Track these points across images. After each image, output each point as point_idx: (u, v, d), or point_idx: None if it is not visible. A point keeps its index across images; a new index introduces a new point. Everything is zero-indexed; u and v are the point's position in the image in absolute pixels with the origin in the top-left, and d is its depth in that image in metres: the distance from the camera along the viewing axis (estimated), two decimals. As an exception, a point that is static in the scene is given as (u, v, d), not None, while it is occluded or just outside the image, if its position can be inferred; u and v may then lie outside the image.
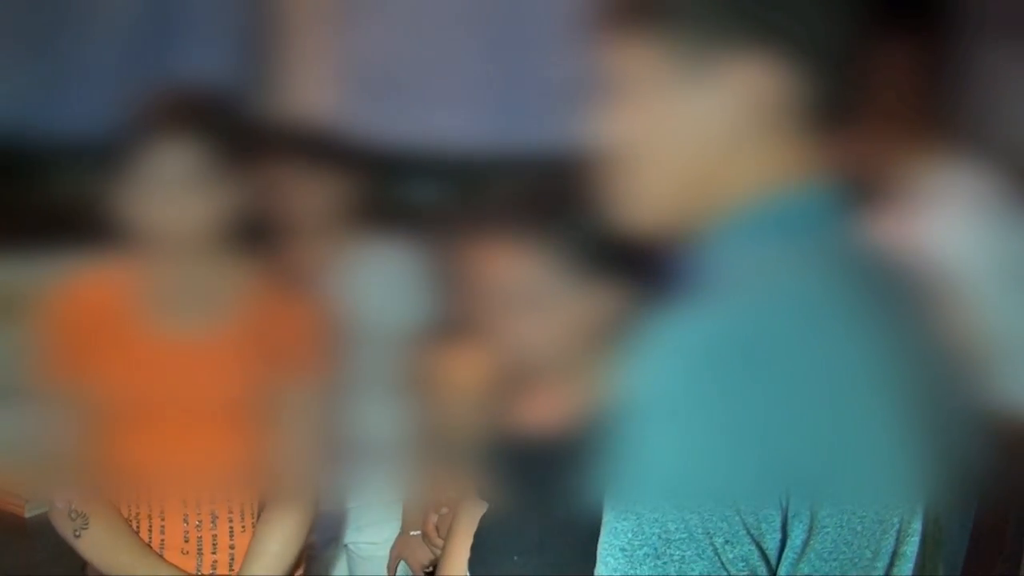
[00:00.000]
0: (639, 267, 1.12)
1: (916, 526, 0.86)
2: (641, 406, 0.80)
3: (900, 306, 0.91)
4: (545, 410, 1.28)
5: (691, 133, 0.86)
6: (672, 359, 0.79)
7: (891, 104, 1.09)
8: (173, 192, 1.45)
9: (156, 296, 1.54)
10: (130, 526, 1.56)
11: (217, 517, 1.57)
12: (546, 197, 1.20)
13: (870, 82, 0.91)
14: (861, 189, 0.94)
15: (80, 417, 1.54)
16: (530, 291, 1.21)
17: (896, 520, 0.84)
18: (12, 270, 1.75)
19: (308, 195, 1.72)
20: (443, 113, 2.10)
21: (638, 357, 0.81)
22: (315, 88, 2.18)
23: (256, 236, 1.54)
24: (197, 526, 1.56)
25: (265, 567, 1.55)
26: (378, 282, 1.76)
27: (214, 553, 1.57)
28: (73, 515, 1.56)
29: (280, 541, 1.55)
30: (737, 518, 0.77)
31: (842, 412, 0.81)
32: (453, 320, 1.54)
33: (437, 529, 1.76)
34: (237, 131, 1.50)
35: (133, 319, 1.54)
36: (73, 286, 1.56)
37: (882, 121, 1.07)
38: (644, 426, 0.80)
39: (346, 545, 1.92)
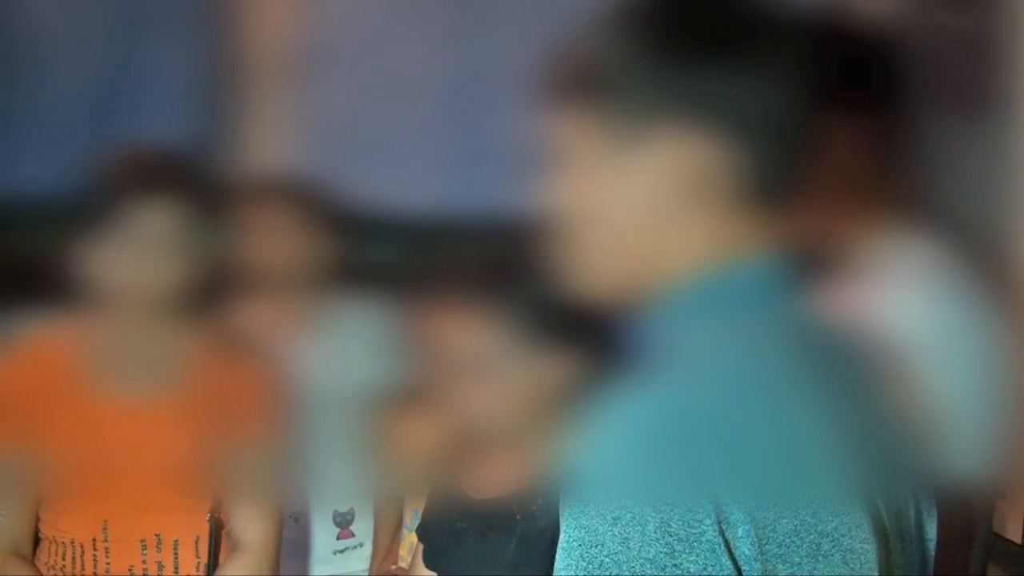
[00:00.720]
0: (589, 335, 1.12)
1: None
2: (592, 478, 0.79)
3: (848, 377, 0.92)
4: (493, 476, 1.28)
5: (630, 204, 0.86)
6: (620, 432, 0.79)
7: (835, 176, 1.10)
8: (139, 254, 1.45)
9: (108, 359, 1.53)
10: None
11: None
12: (497, 264, 1.21)
13: (813, 155, 0.92)
14: (807, 260, 0.95)
15: (26, 476, 1.54)
16: (481, 358, 1.21)
17: None
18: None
19: (272, 253, 1.72)
20: (401, 176, 2.11)
21: (587, 430, 0.80)
22: (276, 149, 2.19)
23: (210, 299, 1.53)
24: None
25: None
26: (335, 344, 1.76)
27: None
28: None
29: None
30: None
31: (792, 484, 0.81)
32: (407, 383, 1.54)
33: None
34: (202, 192, 1.50)
35: (84, 382, 1.53)
36: (25, 347, 1.55)
37: (827, 193, 1.08)
38: (594, 499, 0.79)
39: None
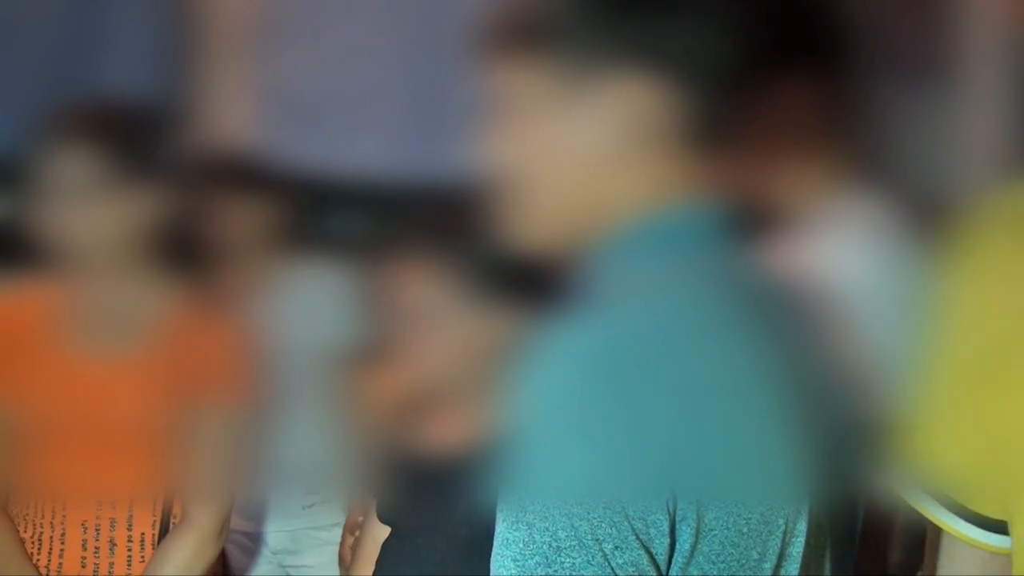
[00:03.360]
0: (533, 286, 1.14)
1: (801, 527, 0.88)
2: (530, 417, 0.82)
3: (781, 320, 0.94)
4: (447, 430, 1.30)
5: (574, 152, 0.88)
6: (558, 370, 0.81)
7: (781, 129, 1.12)
8: (74, 202, 1.44)
9: (74, 316, 1.54)
10: (21, 546, 1.56)
11: (116, 544, 1.55)
12: (445, 220, 1.22)
13: (758, 105, 0.94)
14: (749, 210, 0.97)
15: None
16: (431, 312, 1.23)
17: (781, 522, 0.86)
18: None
19: (229, 217, 1.73)
20: (355, 139, 2.12)
21: (527, 369, 0.83)
22: (235, 112, 2.19)
23: (175, 256, 1.53)
24: (95, 552, 1.55)
25: None
26: (294, 304, 1.77)
27: None
28: None
29: (177, 565, 1.54)
30: (626, 524, 0.79)
31: (724, 419, 0.84)
32: (365, 341, 1.55)
33: (352, 552, 1.77)
34: (139, 142, 1.49)
35: (50, 339, 1.54)
36: None
37: (771, 145, 1.10)
38: (533, 436, 0.82)
39: (285, 569, 1.91)
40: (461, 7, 2.06)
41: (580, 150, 0.87)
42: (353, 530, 1.77)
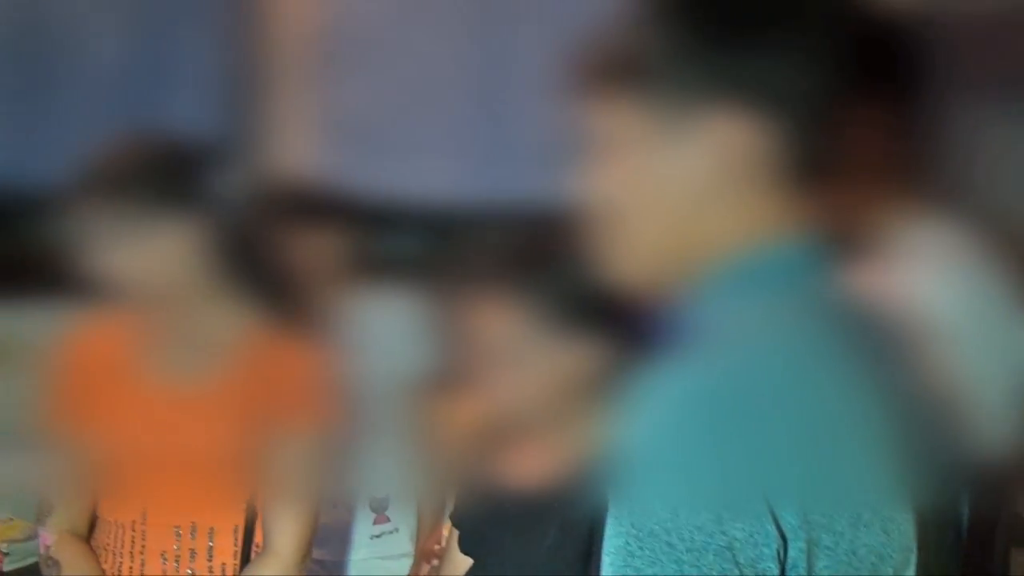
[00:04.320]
0: (624, 322, 1.13)
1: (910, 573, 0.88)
2: (636, 460, 0.81)
3: (881, 356, 0.93)
4: (529, 463, 1.29)
5: (671, 190, 0.87)
6: (662, 413, 0.81)
7: (869, 157, 1.11)
8: (133, 241, 1.45)
9: (153, 346, 1.55)
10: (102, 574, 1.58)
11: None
12: (532, 251, 1.22)
13: (847, 136, 0.93)
14: (840, 241, 0.96)
15: (78, 462, 1.58)
16: (515, 345, 1.22)
17: (890, 570, 0.85)
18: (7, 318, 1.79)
19: (303, 246, 1.73)
20: (431, 167, 2.13)
21: (630, 411, 0.82)
22: (302, 141, 2.20)
23: (251, 284, 1.53)
24: None
25: None
26: (369, 331, 1.78)
27: None
28: (49, 562, 1.59)
29: None
30: (736, 571, 0.78)
31: (829, 459, 0.83)
32: (445, 371, 1.54)
33: None
34: (201, 174, 1.50)
35: (130, 369, 1.56)
36: (77, 336, 1.58)
37: (860, 174, 1.09)
38: (639, 481, 0.81)
39: None
40: (541, 32, 2.09)
41: (677, 187, 0.87)
42: (429, 558, 1.77)
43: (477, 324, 1.26)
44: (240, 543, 1.57)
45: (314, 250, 1.75)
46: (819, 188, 0.91)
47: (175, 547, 1.56)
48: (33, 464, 1.63)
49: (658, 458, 0.80)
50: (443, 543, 1.71)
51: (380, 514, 1.87)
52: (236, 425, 1.51)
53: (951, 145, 1.29)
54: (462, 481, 1.46)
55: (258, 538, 1.57)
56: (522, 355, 1.22)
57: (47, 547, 1.60)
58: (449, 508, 1.69)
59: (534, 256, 1.21)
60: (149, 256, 1.46)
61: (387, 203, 1.91)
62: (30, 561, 1.91)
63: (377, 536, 1.88)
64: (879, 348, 0.93)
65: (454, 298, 1.33)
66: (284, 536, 1.53)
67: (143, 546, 1.57)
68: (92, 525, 1.62)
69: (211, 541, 1.57)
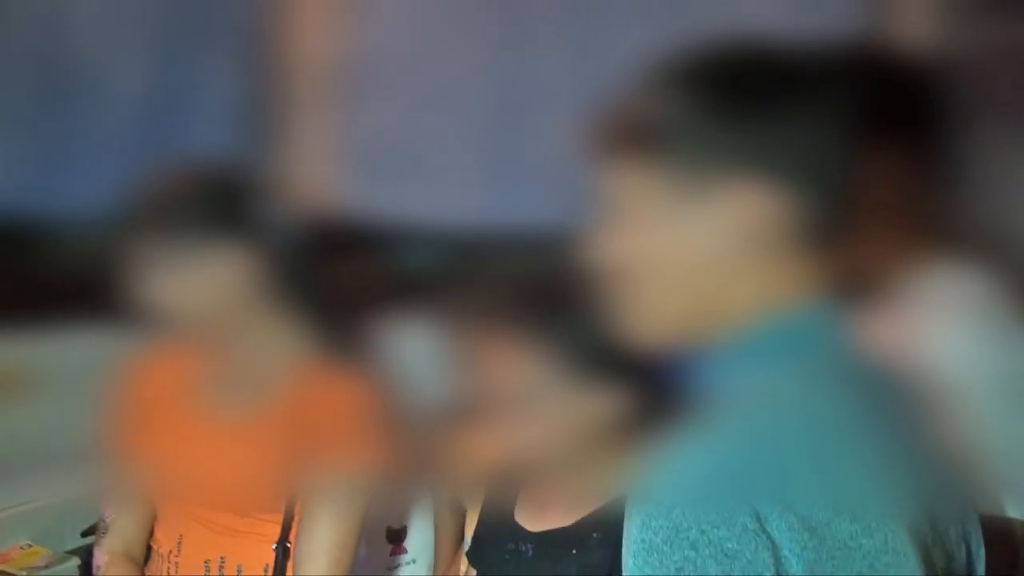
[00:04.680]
0: (642, 374, 1.14)
1: None
2: (653, 533, 0.81)
3: (899, 414, 0.94)
4: (546, 509, 1.30)
5: (689, 256, 0.88)
6: (680, 486, 0.81)
7: (887, 213, 1.11)
8: (183, 271, 1.45)
9: (204, 376, 1.55)
10: None
11: None
12: (553, 295, 1.22)
13: (865, 194, 0.93)
14: (858, 299, 0.96)
15: (131, 487, 1.60)
16: (534, 388, 1.22)
17: None
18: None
19: (344, 277, 1.72)
20: (451, 194, 2.13)
21: (648, 480, 0.82)
22: (324, 168, 2.21)
23: (293, 314, 1.52)
24: None
25: None
26: (404, 361, 1.77)
27: None
28: None
29: None
30: None
31: (848, 528, 0.82)
32: (464, 405, 1.53)
33: None
34: (239, 205, 1.49)
35: (182, 397, 1.56)
36: (131, 364, 1.58)
37: (879, 230, 1.09)
38: (656, 554, 0.80)
39: None
40: (556, 61, 2.09)
41: (694, 253, 0.87)
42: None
43: (497, 363, 1.26)
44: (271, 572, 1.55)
45: (356, 279, 1.74)
46: (837, 249, 0.91)
47: None
48: (86, 485, 1.65)
49: (675, 534, 0.80)
50: (461, 576, 1.71)
51: (397, 544, 1.87)
52: (277, 457, 1.50)
53: (969, 188, 1.28)
54: (480, 518, 1.46)
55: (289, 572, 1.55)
56: (540, 399, 1.22)
57: (98, 567, 1.61)
58: (467, 541, 1.70)
59: (556, 300, 1.21)
60: (199, 286, 1.45)
61: (408, 230, 1.91)
62: (50, 589, 1.92)
63: (394, 568, 1.87)
64: (897, 407, 0.94)
65: (475, 333, 1.33)
66: (319, 568, 1.50)
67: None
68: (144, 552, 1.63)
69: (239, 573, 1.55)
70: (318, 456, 1.48)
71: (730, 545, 0.77)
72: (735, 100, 0.86)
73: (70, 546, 2.03)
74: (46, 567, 1.93)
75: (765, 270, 0.87)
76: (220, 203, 1.48)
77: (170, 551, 1.57)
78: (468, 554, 1.43)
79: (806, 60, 0.92)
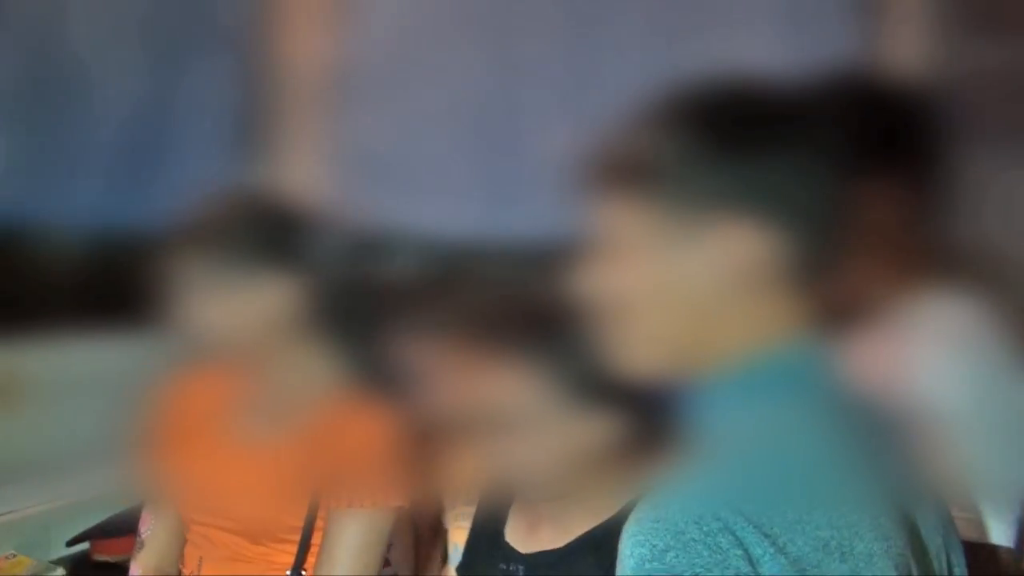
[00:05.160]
0: (632, 403, 1.14)
1: None
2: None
3: (887, 445, 0.94)
4: (535, 530, 1.30)
5: (680, 291, 0.88)
6: (671, 525, 0.81)
7: (879, 241, 1.11)
8: (226, 294, 1.45)
9: (237, 400, 1.55)
10: None
11: None
12: (547, 319, 1.21)
13: (857, 224, 0.94)
14: (848, 329, 0.97)
15: (163, 504, 1.61)
16: (523, 410, 1.22)
17: None
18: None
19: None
20: (444, 204, 2.13)
21: (640, 520, 0.82)
22: (314, 176, 2.21)
23: (339, 347, 1.51)
24: None
25: None
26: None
27: None
28: None
29: None
30: None
31: (839, 567, 0.83)
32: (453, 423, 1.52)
33: None
34: (293, 237, 1.49)
35: (213, 420, 1.56)
36: (169, 383, 1.59)
37: (870, 259, 1.09)
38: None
39: None
40: (548, 71, 2.09)
41: (684, 289, 0.88)
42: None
43: (488, 381, 1.25)
44: None
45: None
46: (827, 282, 0.92)
47: None
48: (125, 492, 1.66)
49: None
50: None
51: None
52: (294, 486, 1.49)
53: (963, 213, 1.28)
54: (471, 534, 1.46)
55: None
56: (531, 420, 1.22)
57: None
58: (450, 556, 1.70)
59: (550, 322, 1.21)
60: (240, 311, 1.45)
61: (397, 238, 1.90)
62: (34, 599, 1.91)
63: None
64: (887, 441, 0.94)
65: (465, 349, 1.33)
66: None
67: None
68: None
69: None
70: (340, 488, 1.47)
71: None
72: (727, 140, 0.86)
73: (55, 556, 2.02)
74: (30, 578, 1.93)
75: (754, 306, 0.88)
76: (269, 231, 1.47)
77: (192, 573, 1.58)
78: (458, 570, 1.43)
79: (796, 97, 0.92)
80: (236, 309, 1.45)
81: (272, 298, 1.46)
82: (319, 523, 1.50)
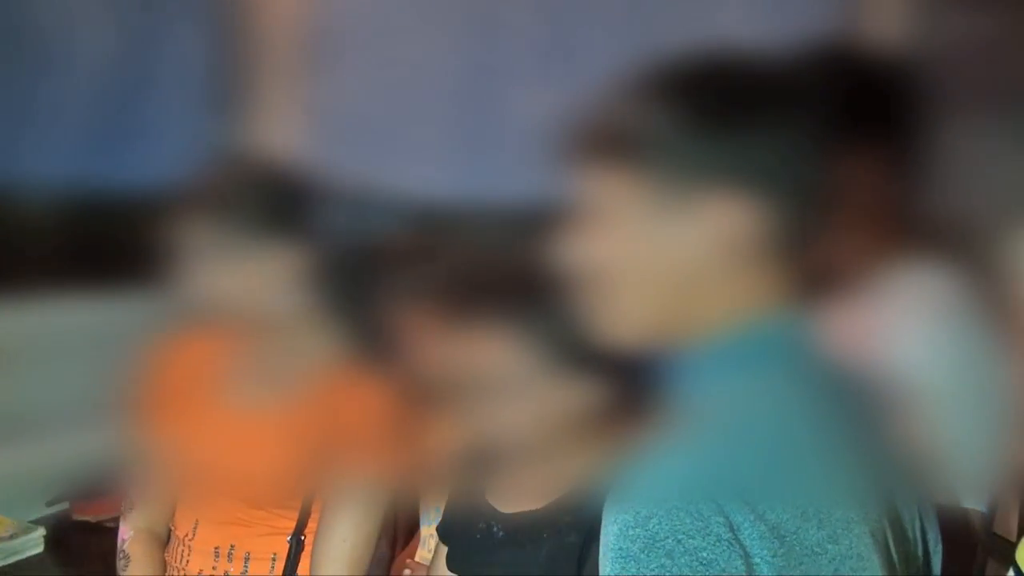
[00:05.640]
0: (614, 370, 1.15)
1: None
2: (627, 545, 0.82)
3: (864, 417, 0.96)
4: (518, 491, 1.31)
5: (665, 263, 0.89)
6: (654, 493, 0.83)
7: (858, 213, 1.13)
8: (233, 261, 1.45)
9: (236, 366, 1.55)
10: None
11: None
12: (529, 285, 1.22)
13: (838, 197, 0.95)
14: (827, 301, 0.98)
15: (155, 464, 1.61)
16: (506, 376, 1.23)
17: None
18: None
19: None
20: (424, 165, 2.13)
21: (621, 493, 0.84)
22: (292, 137, 2.20)
23: (341, 319, 1.51)
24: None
25: None
26: None
27: None
28: (121, 555, 1.61)
29: None
30: None
31: (817, 534, 0.85)
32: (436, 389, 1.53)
33: None
34: (303, 207, 1.49)
35: (211, 384, 1.56)
36: (167, 343, 1.58)
37: (850, 231, 1.11)
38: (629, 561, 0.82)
39: None
40: (526, 32, 2.08)
41: (669, 260, 0.89)
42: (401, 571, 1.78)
43: (471, 346, 1.26)
44: (279, 571, 1.55)
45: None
46: (808, 254, 0.93)
47: (212, 567, 1.57)
48: (110, 453, 1.65)
49: (650, 544, 0.81)
50: (415, 557, 1.73)
51: None
52: (295, 454, 1.50)
53: (941, 185, 1.30)
54: (447, 493, 1.48)
55: (302, 571, 1.55)
56: (513, 384, 1.24)
57: (123, 540, 1.62)
58: (428, 519, 1.71)
59: (533, 288, 1.21)
60: (247, 277, 1.45)
61: (376, 199, 1.90)
62: (12, 560, 1.92)
63: None
64: (863, 411, 0.96)
65: (448, 318, 1.33)
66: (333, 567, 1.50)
67: (187, 561, 1.58)
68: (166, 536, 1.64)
69: (246, 567, 1.56)
70: (339, 457, 1.48)
71: (705, 554, 0.79)
72: (713, 112, 0.87)
73: (34, 516, 2.03)
74: (11, 537, 1.93)
75: (737, 277, 0.89)
76: (278, 197, 1.47)
77: (186, 534, 1.59)
78: (438, 530, 1.45)
79: (779, 70, 0.93)
80: (243, 275, 1.45)
81: (279, 265, 1.46)
82: (319, 493, 1.52)
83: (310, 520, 1.55)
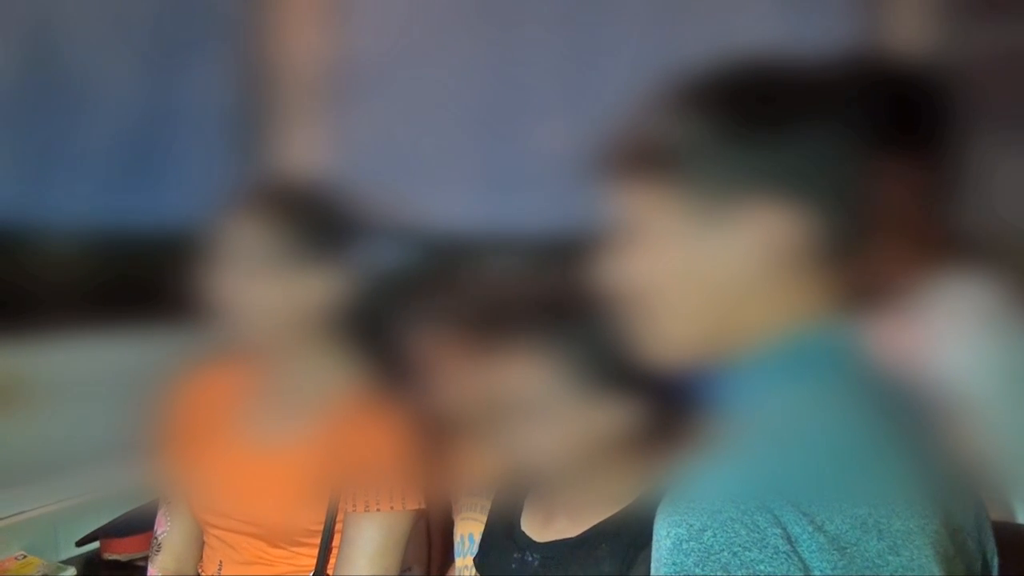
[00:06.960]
0: (653, 390, 1.13)
1: None
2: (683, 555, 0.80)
3: (918, 426, 0.94)
4: (553, 519, 1.29)
5: (709, 277, 0.88)
6: (707, 504, 0.81)
7: (898, 223, 1.11)
8: (248, 279, 1.43)
9: (256, 399, 1.53)
10: None
11: None
12: (566, 307, 1.21)
13: (879, 209, 0.94)
14: (873, 311, 0.97)
15: (179, 503, 1.60)
16: (540, 398, 1.22)
17: None
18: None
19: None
20: (450, 198, 2.13)
21: (673, 503, 0.82)
22: (317, 168, 2.20)
23: (363, 349, 1.49)
24: None
25: None
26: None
27: None
28: None
29: None
30: None
31: (877, 545, 0.83)
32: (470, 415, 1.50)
33: None
34: (314, 222, 1.46)
35: (230, 419, 1.54)
36: (188, 377, 1.57)
37: (890, 241, 1.09)
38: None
39: None
40: (551, 63, 2.08)
41: (713, 274, 0.87)
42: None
43: (506, 370, 1.25)
44: None
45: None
46: (852, 263, 0.91)
47: None
48: (139, 491, 1.65)
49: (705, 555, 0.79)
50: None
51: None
52: (312, 491, 1.47)
53: (976, 195, 1.28)
54: (482, 523, 1.46)
55: None
56: (549, 408, 1.22)
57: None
58: (462, 550, 1.69)
59: (569, 310, 1.20)
60: (277, 299, 1.43)
61: (400, 231, 1.90)
62: (44, 601, 1.91)
63: None
64: (916, 420, 0.94)
65: (480, 343, 1.32)
66: None
67: None
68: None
69: None
70: (358, 490, 1.46)
71: (762, 567, 0.76)
72: (752, 121, 0.86)
73: (65, 556, 2.01)
74: (40, 578, 1.92)
75: (784, 288, 0.88)
76: (318, 221, 1.46)
77: (212, 574, 1.56)
78: (475, 561, 1.43)
79: (814, 77, 0.92)
80: (273, 296, 1.43)
81: (313, 289, 1.44)
82: (338, 526, 1.49)
83: (330, 556, 1.51)
